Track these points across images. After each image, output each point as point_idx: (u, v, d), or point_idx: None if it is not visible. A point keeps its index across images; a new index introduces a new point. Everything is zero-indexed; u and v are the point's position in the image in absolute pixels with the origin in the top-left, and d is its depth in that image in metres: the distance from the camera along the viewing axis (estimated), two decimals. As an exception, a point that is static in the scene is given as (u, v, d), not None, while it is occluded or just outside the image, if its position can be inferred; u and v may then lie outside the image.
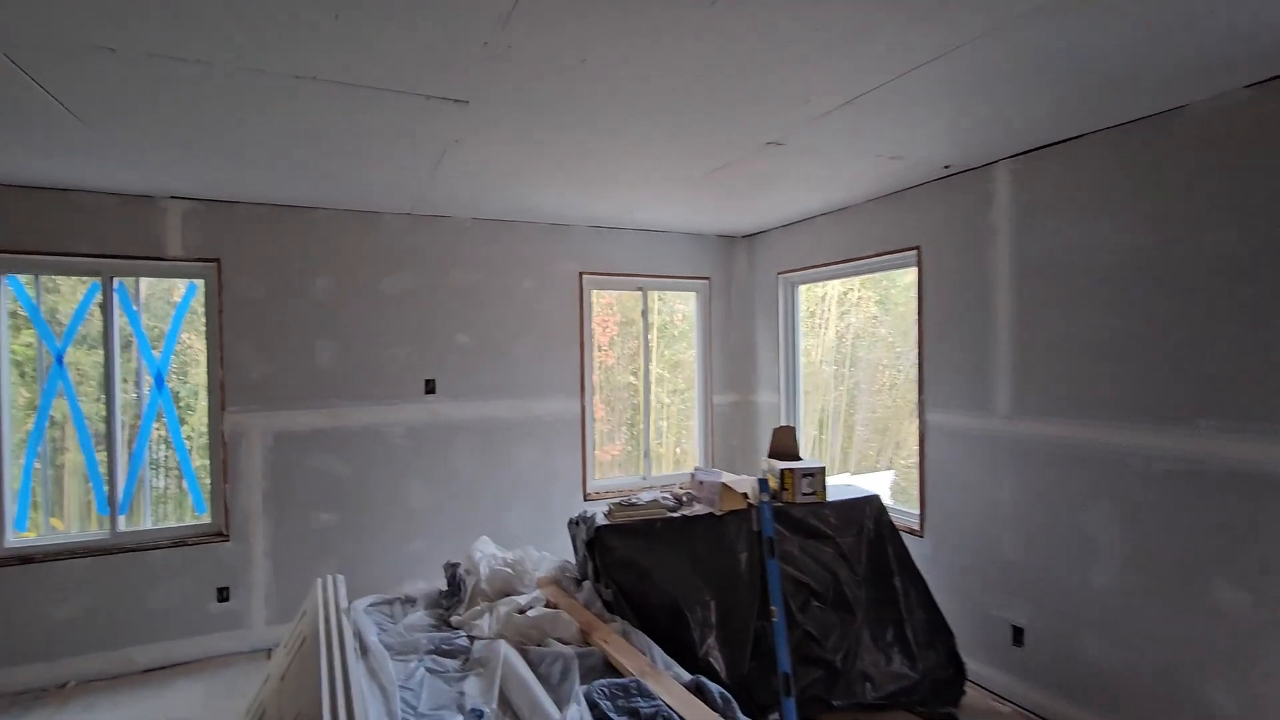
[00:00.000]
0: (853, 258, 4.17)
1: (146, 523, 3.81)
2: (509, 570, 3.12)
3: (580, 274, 4.70)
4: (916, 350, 3.71)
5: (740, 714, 2.19)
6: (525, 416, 4.57)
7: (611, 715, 2.10)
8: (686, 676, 2.35)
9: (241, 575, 3.86)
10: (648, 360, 5.04)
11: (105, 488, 3.63)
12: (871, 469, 7.20)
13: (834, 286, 6.52)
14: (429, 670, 2.49)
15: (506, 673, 2.37)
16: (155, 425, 3.77)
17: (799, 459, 3.54)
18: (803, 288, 4.89)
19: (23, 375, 3.58)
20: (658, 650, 2.55)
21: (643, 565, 2.96)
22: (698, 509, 3.19)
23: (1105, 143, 2.78)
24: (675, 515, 3.11)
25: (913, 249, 3.70)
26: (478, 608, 2.90)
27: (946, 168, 3.28)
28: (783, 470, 3.27)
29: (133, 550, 3.63)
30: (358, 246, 4.10)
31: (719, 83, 2.21)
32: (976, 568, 3.39)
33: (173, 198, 3.67)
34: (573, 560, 3.35)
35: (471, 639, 2.73)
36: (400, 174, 3.26)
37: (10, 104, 2.33)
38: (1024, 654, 3.15)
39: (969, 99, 2.39)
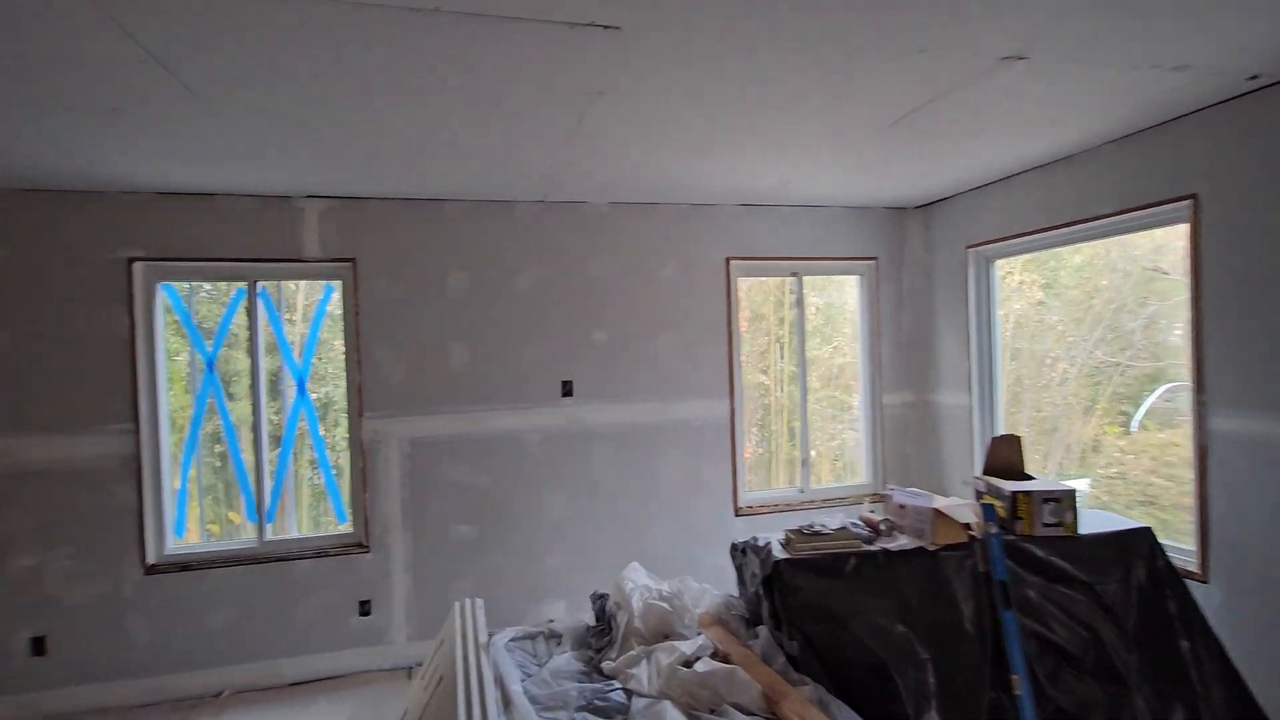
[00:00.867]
0: (1078, 220, 3.28)
1: (291, 531, 3.74)
2: (665, 605, 2.62)
3: (727, 260, 4.14)
4: (1190, 334, 2.78)
5: None
6: (667, 420, 4.08)
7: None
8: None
9: (382, 589, 3.69)
10: (804, 356, 4.37)
11: (253, 495, 3.58)
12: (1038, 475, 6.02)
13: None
14: (581, 735, 2.04)
15: (678, 751, 1.87)
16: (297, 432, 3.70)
17: (1027, 476, 2.75)
18: (997, 264, 4.01)
19: (177, 383, 3.62)
20: (870, 732, 1.93)
21: (836, 612, 2.35)
22: (901, 541, 2.51)
23: None
24: (873, 549, 2.46)
25: (1185, 198, 2.78)
26: (633, 653, 2.42)
27: (1253, 79, 2.36)
28: (1015, 493, 2.52)
29: (279, 560, 3.55)
30: (489, 239, 3.81)
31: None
32: (1307, 633, 2.43)
33: (309, 197, 3.56)
34: (734, 594, 2.81)
35: (629, 693, 2.26)
36: (534, 147, 2.87)
37: (157, 107, 2.18)
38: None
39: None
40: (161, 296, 3.48)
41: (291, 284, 3.77)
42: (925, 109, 2.56)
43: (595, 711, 2.17)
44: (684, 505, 4.10)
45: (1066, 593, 2.45)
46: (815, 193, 3.89)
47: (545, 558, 3.90)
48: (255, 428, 3.55)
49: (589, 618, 2.83)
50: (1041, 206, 3.49)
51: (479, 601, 2.92)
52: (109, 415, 3.33)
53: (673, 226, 4.07)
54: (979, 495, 2.70)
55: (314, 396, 3.85)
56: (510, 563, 3.85)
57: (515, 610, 3.83)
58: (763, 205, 4.17)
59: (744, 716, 2.05)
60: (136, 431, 3.35)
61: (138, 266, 3.37)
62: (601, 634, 2.62)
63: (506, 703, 2.17)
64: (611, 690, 2.28)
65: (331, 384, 4.12)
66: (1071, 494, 2.51)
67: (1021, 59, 2.13)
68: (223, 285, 3.66)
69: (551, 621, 2.97)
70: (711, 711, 2.12)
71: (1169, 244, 3.57)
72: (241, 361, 3.67)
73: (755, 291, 4.92)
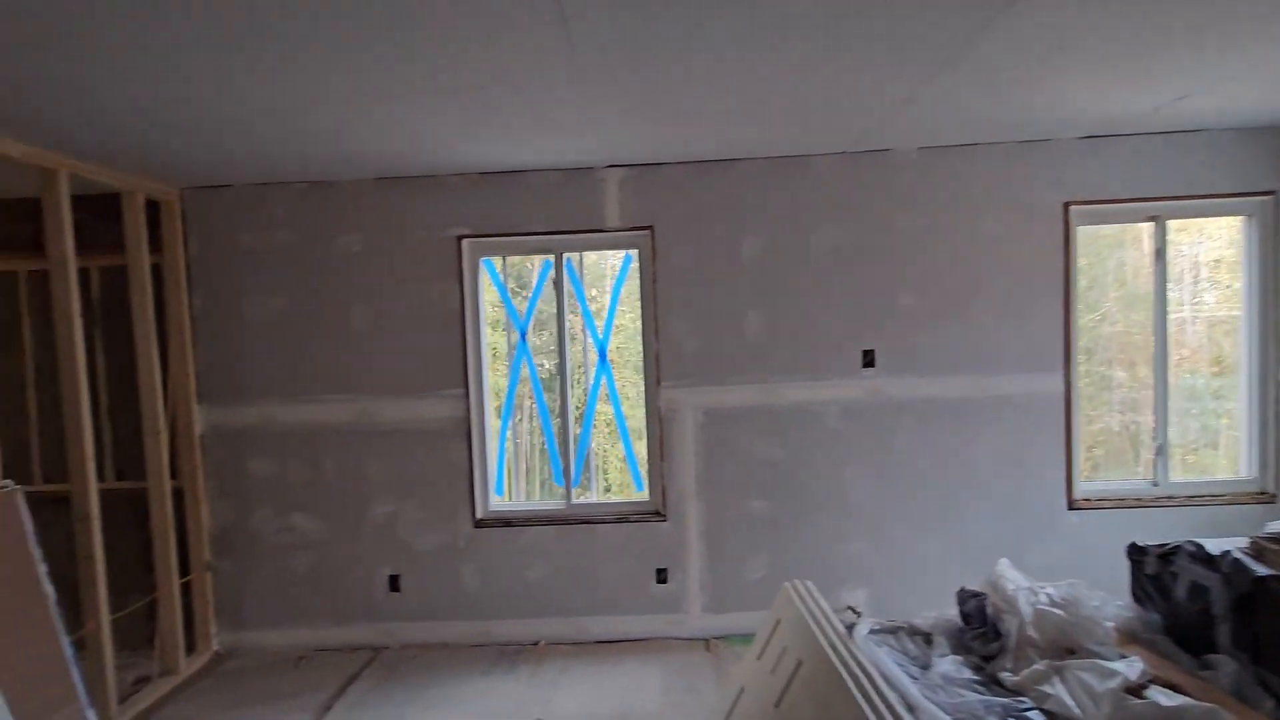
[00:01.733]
0: None
1: (594, 496, 3.87)
2: (1060, 614, 2.20)
3: (1065, 205, 3.47)
4: None
5: None
6: (985, 396, 3.56)
7: None
8: None
9: (678, 558, 3.68)
10: (1164, 319, 3.56)
11: (560, 460, 3.74)
12: None
13: None
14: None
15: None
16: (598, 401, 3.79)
17: None
18: None
19: (494, 355, 3.88)
20: None
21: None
22: None
23: None
24: None
25: None
26: (1038, 667, 2.05)
27: None
28: None
29: (584, 522, 3.68)
30: (784, 199, 3.55)
31: None
32: None
33: (609, 166, 3.57)
34: (1127, 601, 2.30)
35: (1048, 715, 1.90)
36: (880, 85, 2.53)
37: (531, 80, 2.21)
38: None
39: None
40: (483, 271, 3.73)
41: (592, 255, 3.85)
42: None
43: (1017, 732, 1.85)
44: (1004, 493, 3.57)
45: None
46: (1193, 110, 3.07)
47: (844, 540, 3.62)
48: (562, 395, 3.69)
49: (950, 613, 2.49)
50: None
51: (810, 585, 2.72)
52: (445, 381, 3.64)
53: (995, 170, 3.49)
54: None
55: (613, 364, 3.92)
56: (806, 542, 3.63)
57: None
58: (1114, 136, 3.42)
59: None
60: (466, 396, 3.64)
61: (465, 243, 3.63)
62: (984, 638, 2.27)
63: (910, 707, 1.93)
64: (1027, 709, 1.93)
65: (628, 354, 4.18)
66: None
67: None
68: (529, 260, 3.84)
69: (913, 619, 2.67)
70: (1189, 758, 1.69)
71: None
72: (542, 336, 3.83)
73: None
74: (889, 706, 1.83)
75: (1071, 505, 3.55)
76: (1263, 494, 3.52)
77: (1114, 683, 1.88)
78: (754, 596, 3.65)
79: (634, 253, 3.71)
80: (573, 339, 3.72)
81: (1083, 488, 3.58)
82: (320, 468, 3.69)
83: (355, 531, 3.71)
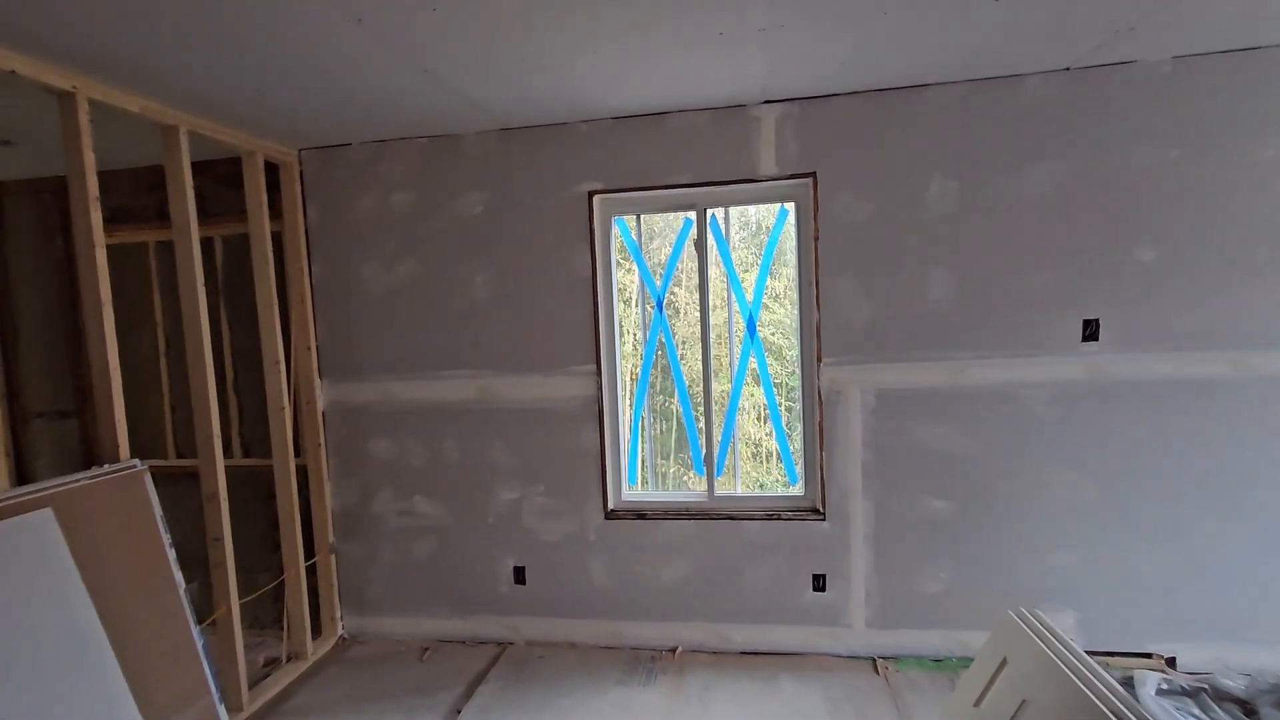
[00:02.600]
0: None
1: (737, 488, 3.40)
2: None
3: (1386, 124, 2.61)
4: None
5: None
6: (1247, 377, 2.78)
7: None
8: None
9: (839, 563, 3.16)
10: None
11: (701, 446, 3.30)
12: None
13: None
14: None
15: None
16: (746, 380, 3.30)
17: None
18: None
19: (627, 324, 3.46)
20: None
21: None
22: None
23: None
24: None
25: None
26: None
27: None
28: None
29: (729, 518, 3.23)
30: (986, 131, 2.88)
31: None
32: None
33: (765, 103, 3.02)
34: None
35: None
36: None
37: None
38: None
39: None
40: (615, 231, 3.30)
41: (739, 211, 3.34)
42: None
43: None
44: (1260, 501, 2.79)
45: None
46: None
47: (1048, 551, 2.97)
48: (705, 373, 3.23)
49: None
50: None
51: (1041, 614, 2.15)
52: (575, 356, 3.27)
53: (1276, 80, 2.67)
54: None
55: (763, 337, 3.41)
56: (997, 551, 3.02)
57: (1000, 612, 3.00)
58: None
59: None
60: (598, 373, 3.25)
61: (597, 200, 3.20)
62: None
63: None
64: None
65: (778, 325, 3.66)
66: None
67: None
68: (668, 218, 3.38)
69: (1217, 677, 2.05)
70: None
71: None
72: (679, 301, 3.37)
73: None
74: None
75: (1372, 521, 2.73)
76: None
77: None
78: (930, 612, 3.08)
79: (791, 206, 3.16)
80: (714, 308, 3.24)
81: (1389, 499, 2.75)
82: (441, 449, 3.43)
83: (478, 518, 3.43)
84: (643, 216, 3.33)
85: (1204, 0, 2.22)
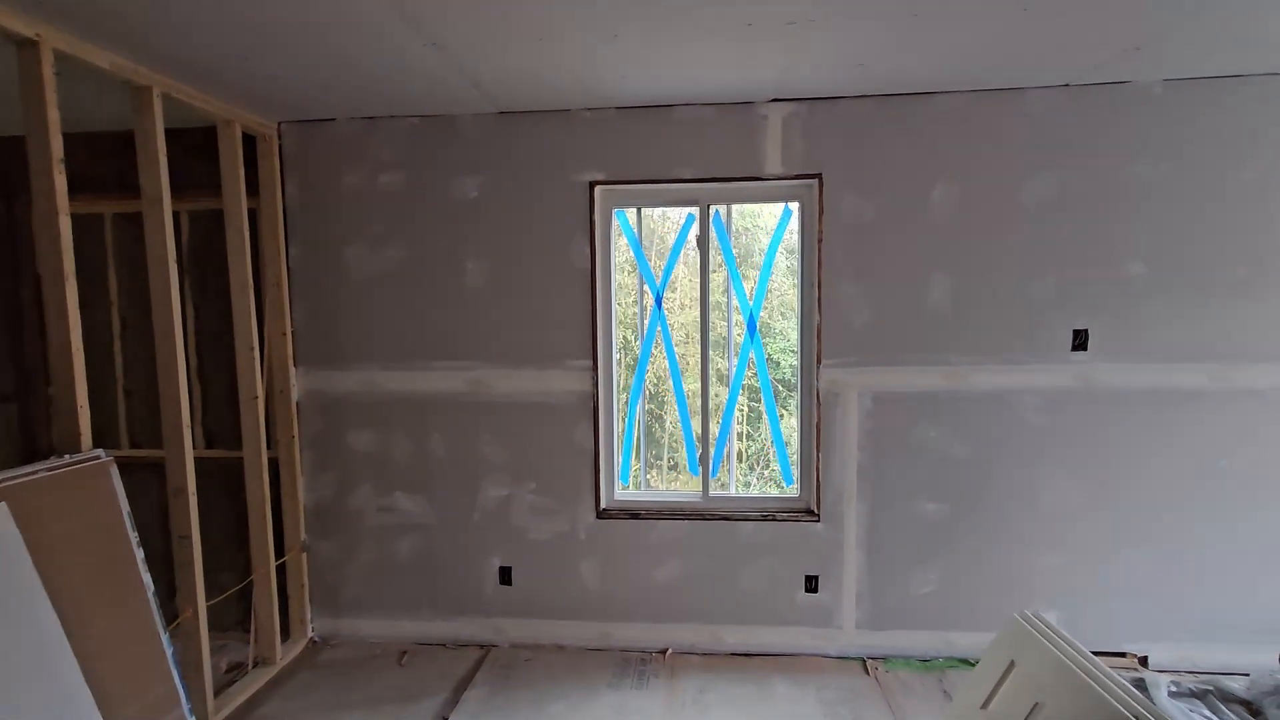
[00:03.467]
0: None
1: (731, 488, 3.37)
2: None
3: (1357, 153, 2.77)
4: None
5: None
6: (1226, 389, 2.91)
7: None
8: None
9: (831, 565, 3.16)
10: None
11: (696, 446, 3.25)
12: None
13: None
14: None
15: None
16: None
17: None
18: None
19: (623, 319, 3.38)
20: None
21: None
22: None
23: None
24: None
25: None
26: None
27: None
28: None
29: (723, 519, 3.20)
30: (988, 140, 2.92)
31: None
32: None
33: (773, 100, 2.99)
34: None
35: None
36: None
37: None
38: None
39: None
40: (615, 224, 3.21)
41: (740, 209, 3.30)
42: None
43: None
44: (1241, 510, 2.94)
45: None
46: None
47: (1037, 554, 3.05)
48: (703, 371, 3.18)
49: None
50: None
51: (1043, 616, 2.19)
52: (571, 350, 3.17)
53: (1266, 108, 2.79)
54: None
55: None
56: (987, 553, 3.08)
57: (988, 612, 3.07)
58: None
59: None
60: (594, 369, 3.16)
61: (599, 191, 3.11)
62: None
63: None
64: None
65: (779, 326, 3.64)
66: None
67: None
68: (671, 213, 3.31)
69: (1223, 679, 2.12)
70: None
71: None
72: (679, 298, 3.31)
73: None
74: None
75: (1329, 526, 2.91)
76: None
77: None
78: (920, 613, 3.13)
79: (795, 206, 3.14)
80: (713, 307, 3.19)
81: (1345, 506, 2.93)
82: (427, 443, 3.28)
83: (464, 516, 3.30)
84: (643, 210, 3.26)
85: (1206, 24, 2.30)
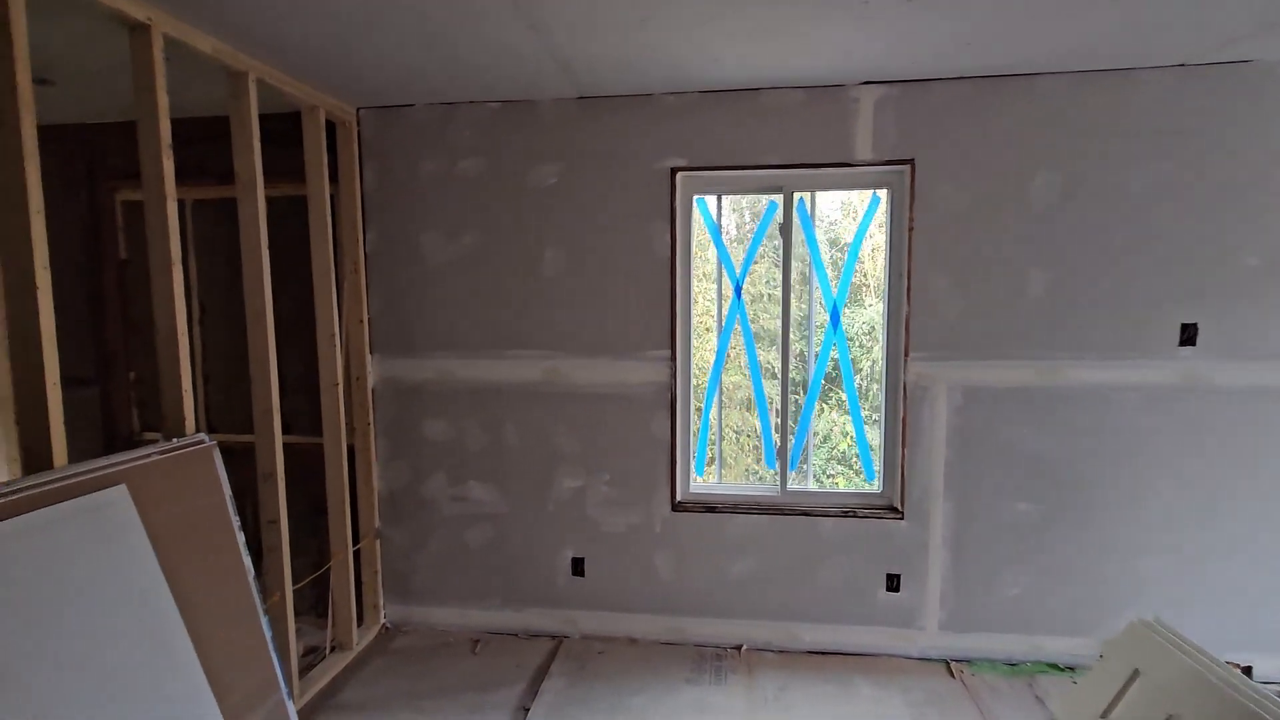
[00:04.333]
0: None
1: (809, 483, 3.30)
2: None
3: None
4: None
5: None
6: (1343, 389, 2.75)
7: None
8: None
9: (915, 564, 3.08)
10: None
11: (774, 439, 3.18)
12: None
13: None
14: None
15: None
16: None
17: None
18: None
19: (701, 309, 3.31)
20: None
21: None
22: None
23: None
24: None
25: None
26: None
27: None
28: None
29: (802, 514, 3.13)
30: (1093, 125, 2.79)
31: None
32: None
33: (864, 84, 2.89)
34: None
35: None
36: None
37: None
38: None
39: None
40: (696, 212, 3.15)
41: (827, 196, 3.22)
42: None
43: None
44: (1360, 514, 2.79)
45: None
46: None
47: (1135, 557, 2.93)
48: (783, 363, 3.11)
49: None
50: None
51: (1169, 624, 2.08)
52: (649, 340, 3.12)
53: (1399, 89, 2.62)
54: None
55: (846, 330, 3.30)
56: (1082, 556, 2.96)
57: (1081, 616, 2.96)
58: None
59: None
60: (673, 359, 3.11)
61: (680, 177, 3.05)
62: None
63: None
64: None
65: (863, 317, 3.54)
66: None
67: None
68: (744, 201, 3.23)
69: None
70: None
71: None
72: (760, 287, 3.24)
73: None
74: None
75: None
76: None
77: None
78: (1007, 616, 3.03)
79: (884, 193, 3.04)
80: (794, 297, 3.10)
81: None
82: (501, 433, 3.26)
83: (537, 506, 3.28)
84: (723, 197, 3.19)
85: (1351, -3, 2.14)
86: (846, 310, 3.05)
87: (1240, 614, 2.89)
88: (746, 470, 5.02)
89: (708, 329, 3.12)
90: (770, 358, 3.86)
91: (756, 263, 4.24)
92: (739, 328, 3.17)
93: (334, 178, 3.14)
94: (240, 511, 2.22)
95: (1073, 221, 2.84)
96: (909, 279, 2.95)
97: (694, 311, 3.21)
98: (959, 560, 3.05)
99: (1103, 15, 2.24)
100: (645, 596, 3.26)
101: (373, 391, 3.31)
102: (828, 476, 5.49)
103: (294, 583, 2.88)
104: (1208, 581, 2.89)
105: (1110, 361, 2.87)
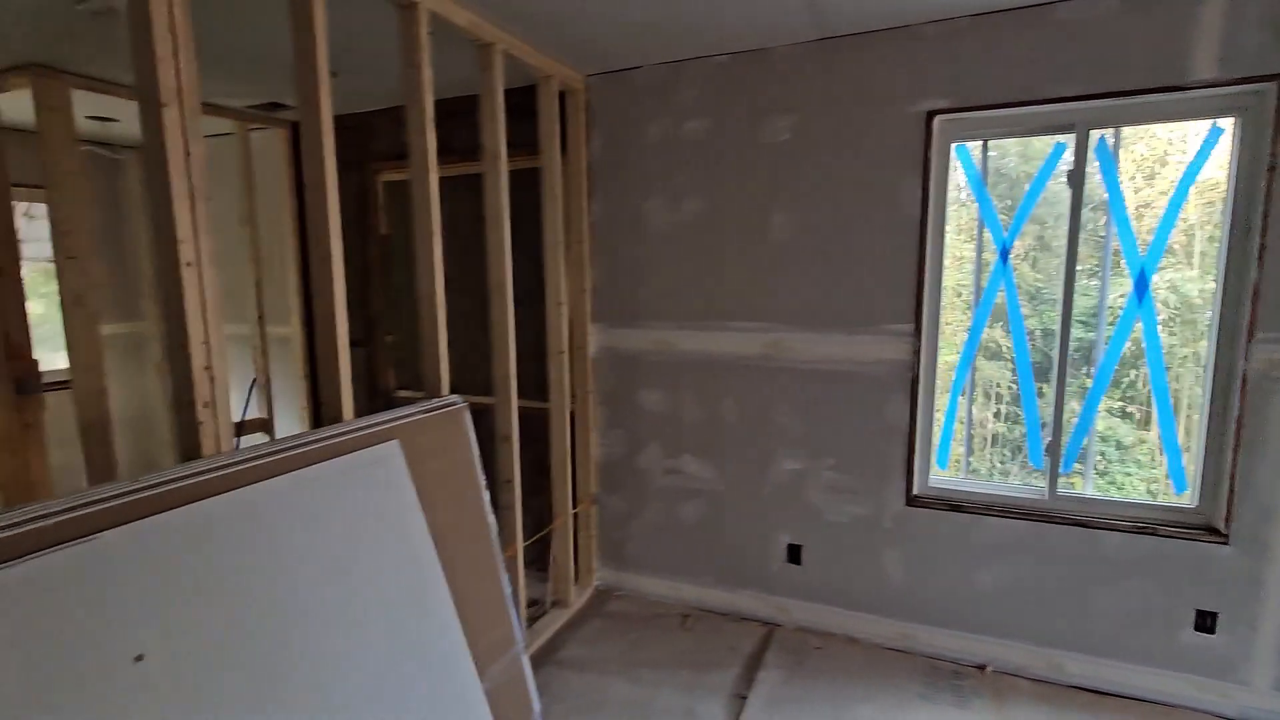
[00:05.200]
0: None
1: (1088, 488, 2.74)
2: None
3: None
4: None
5: None
6: None
7: None
8: None
9: (1241, 602, 2.41)
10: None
11: (1043, 431, 2.67)
12: None
13: None
14: None
15: None
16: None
17: None
18: None
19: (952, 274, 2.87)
20: None
21: None
22: None
23: None
24: None
25: None
26: None
27: None
28: None
29: (1078, 524, 2.60)
30: None
31: None
32: None
33: (1210, -21, 2.22)
34: None
35: None
36: None
37: None
38: None
39: None
40: (954, 160, 2.70)
41: (1140, 131, 2.60)
42: None
43: None
44: None
45: None
46: None
47: None
48: (1062, 343, 2.57)
49: None
50: None
51: None
52: (889, 313, 2.76)
53: None
54: None
55: (1157, 299, 2.68)
56: None
57: None
58: None
59: None
60: (917, 334, 2.73)
61: (938, 122, 2.61)
62: None
63: None
64: None
65: (1185, 287, 2.88)
66: None
67: None
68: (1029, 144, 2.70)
69: None
70: None
71: None
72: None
73: None
74: None
75: None
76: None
77: None
78: (1390, 688, 2.26)
79: (1229, 123, 2.34)
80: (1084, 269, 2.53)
81: None
82: (718, 407, 3.13)
83: (753, 486, 3.11)
84: (990, 143, 2.69)
85: None
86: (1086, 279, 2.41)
87: None
88: (991, 469, 4.38)
89: (951, 302, 2.68)
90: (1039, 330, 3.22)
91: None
92: (1002, 299, 2.67)
93: (563, 148, 3.18)
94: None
95: None
96: (1263, 235, 2.24)
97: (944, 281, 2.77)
98: (1313, 606, 2.32)
99: None
100: (869, 595, 2.96)
101: (593, 360, 3.35)
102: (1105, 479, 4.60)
103: (525, 540, 3.04)
104: None
105: None
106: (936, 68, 2.57)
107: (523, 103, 3.04)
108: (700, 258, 3.06)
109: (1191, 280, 3.32)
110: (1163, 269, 3.40)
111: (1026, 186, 2.61)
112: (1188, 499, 2.53)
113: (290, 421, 4.22)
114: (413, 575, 1.90)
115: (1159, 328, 2.54)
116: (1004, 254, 2.64)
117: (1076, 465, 2.73)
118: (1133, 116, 2.43)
